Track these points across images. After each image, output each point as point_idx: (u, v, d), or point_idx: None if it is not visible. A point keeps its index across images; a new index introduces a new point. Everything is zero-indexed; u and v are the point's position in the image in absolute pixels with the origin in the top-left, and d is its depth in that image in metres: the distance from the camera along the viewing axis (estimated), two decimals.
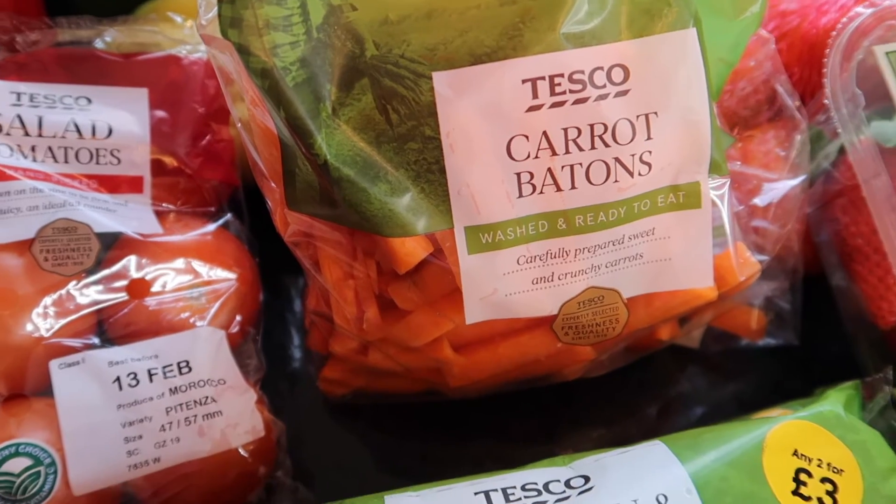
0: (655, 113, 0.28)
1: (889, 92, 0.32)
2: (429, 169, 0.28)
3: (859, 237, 0.35)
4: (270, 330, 0.42)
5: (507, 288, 0.30)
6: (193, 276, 0.37)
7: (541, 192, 0.28)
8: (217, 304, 0.37)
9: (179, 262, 0.37)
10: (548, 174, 0.28)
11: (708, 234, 0.31)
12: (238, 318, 0.38)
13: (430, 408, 0.42)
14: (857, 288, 0.36)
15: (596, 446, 0.42)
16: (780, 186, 0.35)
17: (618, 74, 0.28)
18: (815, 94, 0.42)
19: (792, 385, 0.42)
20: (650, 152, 0.29)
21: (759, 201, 0.35)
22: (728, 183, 0.32)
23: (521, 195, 0.28)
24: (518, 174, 0.28)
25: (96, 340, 0.34)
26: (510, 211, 0.28)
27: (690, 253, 0.31)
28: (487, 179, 0.28)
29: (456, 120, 0.27)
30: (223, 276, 0.38)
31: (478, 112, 0.27)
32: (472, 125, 0.27)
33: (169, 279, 0.37)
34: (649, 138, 0.29)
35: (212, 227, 0.40)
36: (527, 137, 0.28)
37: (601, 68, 0.28)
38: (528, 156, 0.28)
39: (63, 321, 0.33)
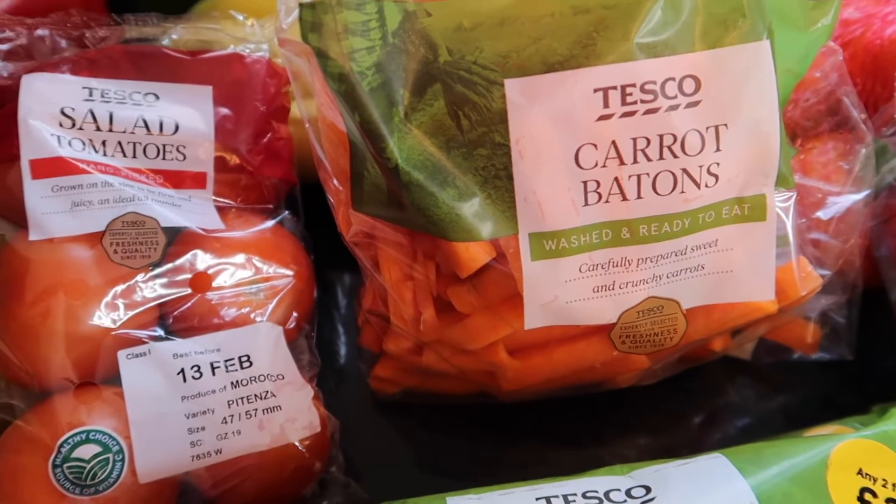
0: (725, 125, 0.28)
1: None
2: (496, 175, 0.28)
3: None
4: (319, 327, 0.42)
5: (567, 295, 0.30)
6: (253, 272, 0.38)
7: (606, 201, 0.28)
8: (275, 301, 0.38)
9: (240, 258, 0.38)
10: (614, 183, 0.28)
11: (772, 248, 0.31)
12: (294, 314, 0.38)
13: (478, 408, 0.42)
14: None
15: (643, 453, 0.43)
16: (843, 200, 0.35)
17: (689, 85, 0.28)
18: (877, 106, 0.42)
19: (844, 401, 0.41)
20: (718, 164, 0.29)
21: (822, 214, 0.34)
22: (794, 196, 0.31)
23: (586, 203, 0.28)
24: (585, 182, 0.28)
25: (161, 332, 0.35)
26: (575, 219, 0.29)
27: (753, 265, 0.31)
28: (554, 187, 0.28)
29: (526, 127, 0.27)
30: (281, 273, 0.38)
31: (548, 120, 0.27)
32: (542, 133, 0.28)
33: (230, 274, 0.37)
34: (718, 150, 0.29)
35: (270, 223, 0.40)
36: (595, 146, 0.28)
37: (673, 79, 0.28)
38: (596, 164, 0.28)
39: (131, 313, 0.34)
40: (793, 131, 0.40)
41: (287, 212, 0.42)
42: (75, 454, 0.31)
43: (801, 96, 0.37)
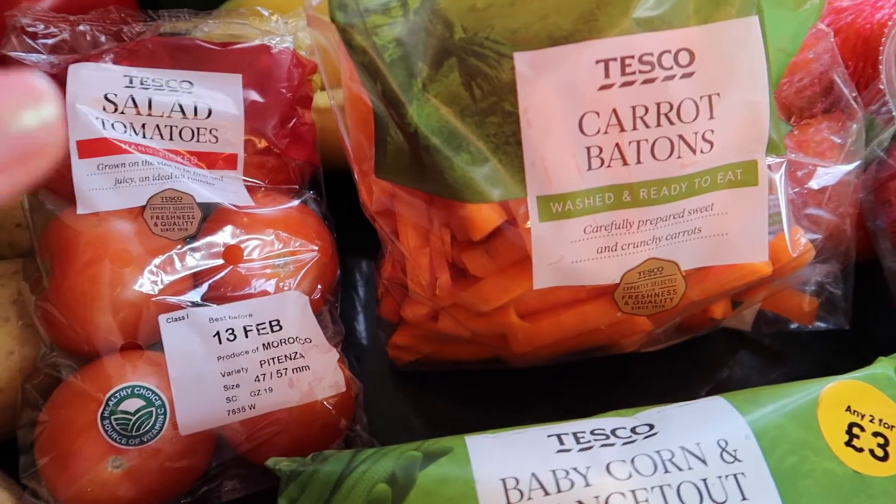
0: (718, 94, 0.31)
1: None
2: (507, 141, 0.31)
3: None
4: (341, 305, 0.45)
5: (573, 255, 0.32)
6: (281, 246, 0.40)
7: (608, 166, 0.31)
8: (301, 273, 0.40)
9: (268, 233, 0.41)
10: (616, 149, 0.31)
11: (764, 211, 0.33)
12: (319, 286, 0.41)
13: (491, 378, 0.44)
14: None
15: None
16: (834, 171, 0.37)
17: (684, 57, 0.30)
18: (868, 87, 0.44)
19: (842, 368, 0.43)
20: (712, 131, 0.31)
21: (814, 184, 0.37)
22: (785, 163, 0.34)
23: (590, 168, 0.31)
24: (588, 148, 0.31)
25: (198, 299, 0.38)
26: (580, 182, 0.31)
27: (746, 228, 0.33)
28: (560, 152, 0.31)
29: (534, 97, 0.30)
30: (307, 247, 0.41)
31: (554, 90, 0.30)
32: (549, 102, 0.30)
33: (259, 248, 0.40)
34: (712, 117, 0.31)
35: (296, 202, 0.43)
36: (598, 114, 0.30)
37: (669, 51, 0.30)
38: (598, 131, 0.30)
39: (170, 279, 0.37)
40: (788, 111, 0.42)
41: (311, 192, 0.45)
42: (122, 407, 0.34)
43: (795, 77, 0.40)
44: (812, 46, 0.39)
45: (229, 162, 0.42)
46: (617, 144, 0.31)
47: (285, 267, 0.40)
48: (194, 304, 0.37)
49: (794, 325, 0.43)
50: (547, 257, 0.32)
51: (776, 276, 0.36)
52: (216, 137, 0.41)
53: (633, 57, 0.30)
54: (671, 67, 0.30)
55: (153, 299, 0.36)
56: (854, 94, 0.38)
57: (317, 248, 0.41)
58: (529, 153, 0.31)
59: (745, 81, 0.31)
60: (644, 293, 0.34)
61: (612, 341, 0.39)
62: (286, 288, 0.39)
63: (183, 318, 0.36)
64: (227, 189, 0.41)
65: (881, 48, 0.35)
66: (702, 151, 0.31)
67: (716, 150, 0.32)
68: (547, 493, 0.25)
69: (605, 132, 0.30)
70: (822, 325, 0.42)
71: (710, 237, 0.33)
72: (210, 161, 0.41)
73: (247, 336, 0.37)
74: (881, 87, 0.35)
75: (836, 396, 0.28)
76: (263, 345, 0.37)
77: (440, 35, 0.30)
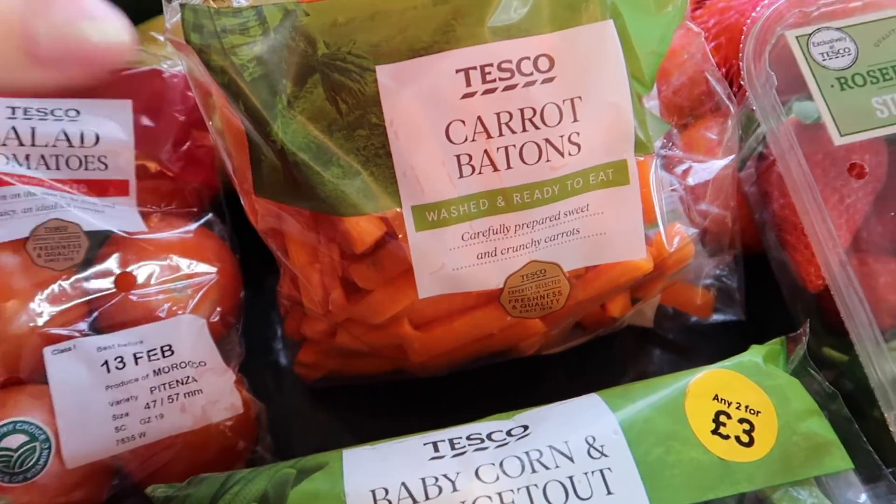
0: (580, 97, 0.32)
1: (801, 74, 0.35)
2: (376, 154, 0.31)
3: (787, 209, 0.38)
4: (253, 326, 0.45)
5: (454, 262, 0.33)
6: (176, 270, 0.40)
7: (479, 173, 0.31)
8: (198, 296, 0.40)
9: (163, 258, 0.40)
10: (485, 155, 0.31)
11: (637, 208, 0.34)
12: (218, 309, 0.41)
13: (406, 388, 0.44)
14: (788, 257, 0.39)
15: None
16: (710, 167, 0.38)
17: (544, 63, 0.31)
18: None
19: (732, 343, 0.44)
20: (578, 133, 0.32)
21: (690, 180, 0.38)
22: (656, 161, 0.34)
23: (461, 175, 0.31)
24: (458, 156, 0.31)
25: (86, 329, 0.37)
26: (452, 190, 0.31)
27: (622, 227, 0.34)
28: (430, 162, 0.31)
29: (398, 108, 0.30)
30: (204, 270, 0.41)
31: (418, 100, 0.30)
32: (414, 112, 0.30)
33: (153, 273, 0.40)
34: (576, 120, 0.32)
35: (194, 226, 0.43)
36: (463, 122, 0.31)
37: (528, 58, 0.31)
38: (466, 139, 0.31)
39: (55, 311, 0.36)
40: (678, 112, 0.44)
41: (211, 214, 0.44)
42: (2, 444, 0.33)
43: (672, 77, 0.41)
44: (686, 47, 0.40)
45: (120, 188, 0.41)
46: (485, 151, 0.31)
47: (181, 291, 0.40)
48: (83, 334, 0.37)
49: (693, 319, 0.44)
50: (428, 266, 0.32)
51: (660, 270, 0.36)
52: (105, 164, 0.41)
53: (492, 65, 0.30)
54: (531, 73, 0.31)
55: (38, 332, 0.36)
56: (727, 92, 0.39)
57: (215, 269, 0.41)
58: (400, 164, 0.31)
59: (605, 84, 0.32)
60: (530, 296, 0.34)
61: (510, 345, 0.39)
62: (180, 312, 0.39)
63: (69, 348, 0.36)
64: (119, 216, 0.40)
65: (741, 45, 0.37)
66: (570, 154, 0.32)
67: (584, 152, 0.32)
68: (415, 502, 0.25)
69: (473, 139, 0.31)
70: (720, 317, 0.43)
71: (589, 237, 0.34)
72: (100, 189, 0.41)
73: (136, 363, 0.36)
74: (742, 82, 0.36)
75: (704, 386, 0.29)
76: (154, 371, 0.36)
77: (303, 52, 0.30)
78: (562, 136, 0.32)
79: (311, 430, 0.44)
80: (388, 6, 0.30)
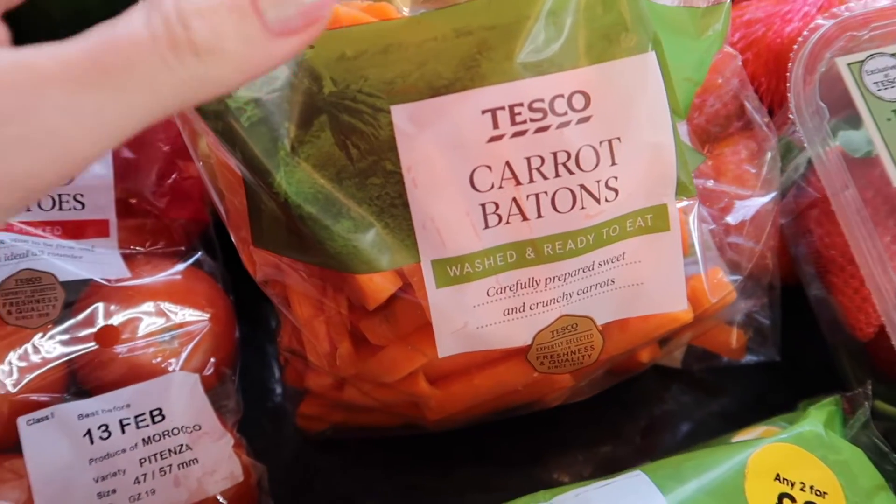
0: (619, 138, 0.28)
1: (853, 103, 0.32)
2: (392, 203, 0.27)
3: (833, 249, 0.35)
4: (250, 364, 0.41)
5: (478, 320, 0.29)
6: (164, 320, 0.36)
7: (507, 223, 0.28)
8: (190, 347, 0.36)
9: (149, 306, 0.36)
10: (513, 204, 0.28)
11: (679, 257, 0.30)
12: (212, 359, 0.37)
13: (414, 438, 0.41)
14: (834, 300, 0.36)
15: (582, 469, 0.42)
16: (751, 204, 0.35)
17: (579, 101, 0.28)
18: (783, 103, 0.42)
19: (775, 398, 0.41)
20: (616, 178, 0.29)
21: (731, 219, 0.35)
22: (697, 204, 0.31)
23: (487, 226, 0.28)
24: (483, 205, 0.28)
25: (66, 394, 0.33)
26: (477, 243, 0.28)
27: (662, 276, 0.31)
28: (452, 212, 0.27)
29: (417, 153, 0.27)
30: (195, 318, 0.37)
31: (438, 145, 0.27)
32: (434, 158, 0.27)
33: (139, 324, 0.36)
34: (614, 164, 0.28)
35: (182, 266, 0.39)
36: (490, 168, 0.27)
37: (561, 96, 0.27)
38: (492, 186, 0.27)
39: (30, 376, 0.33)
40: (702, 137, 0.40)
41: (202, 252, 0.41)
42: None
43: (706, 102, 0.38)
44: (721, 70, 0.37)
45: (100, 229, 0.37)
46: (514, 199, 0.28)
47: (171, 342, 0.36)
48: (61, 400, 0.33)
49: (724, 360, 0.41)
50: (449, 325, 0.29)
51: (698, 320, 0.33)
52: (82, 203, 0.37)
53: (522, 104, 0.27)
54: (565, 113, 0.27)
55: (11, 399, 0.32)
56: (766, 120, 0.36)
57: (208, 315, 0.38)
58: (418, 215, 0.27)
59: (646, 122, 0.29)
60: (560, 352, 0.31)
61: (534, 399, 0.36)
62: (171, 368, 0.35)
63: (47, 417, 0.32)
64: (98, 261, 0.36)
65: (788, 73, 0.33)
66: (606, 200, 0.29)
67: (622, 197, 0.29)
68: None
69: (500, 186, 0.28)
70: (753, 358, 0.40)
71: (625, 288, 0.31)
72: (77, 230, 0.37)
73: (123, 431, 0.32)
74: (790, 116, 0.33)
75: (764, 464, 0.26)
76: (143, 440, 0.33)
77: (307, 90, 0.27)
78: (598, 181, 0.28)
79: (317, 488, 0.41)
80: (404, 37, 0.27)
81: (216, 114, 0.25)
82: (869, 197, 0.32)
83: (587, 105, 0.28)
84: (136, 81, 0.17)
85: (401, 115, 0.27)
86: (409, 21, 0.27)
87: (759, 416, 0.35)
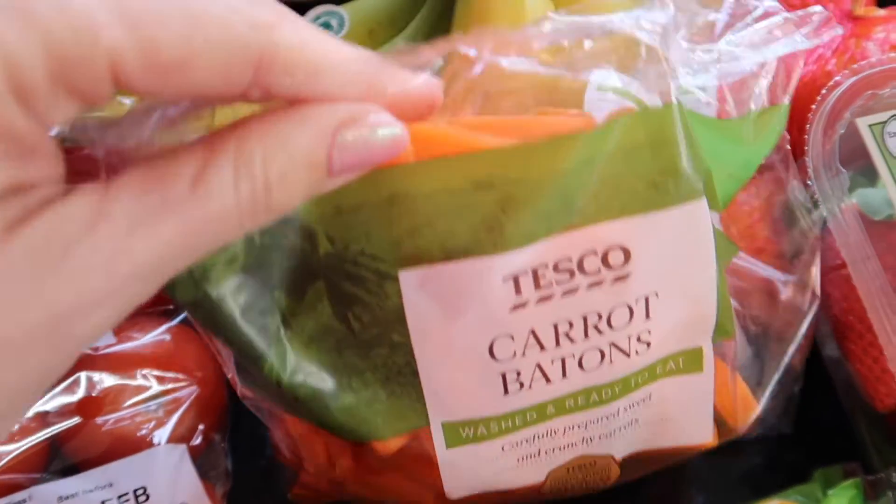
0: (657, 293, 0.25)
1: (874, 165, 0.29)
2: (399, 371, 0.24)
3: (851, 314, 0.33)
4: (244, 420, 0.39)
5: (490, 471, 0.27)
6: (150, 387, 0.34)
7: (529, 388, 0.25)
8: (177, 416, 0.35)
9: (134, 374, 0.34)
10: (537, 369, 0.25)
11: (709, 398, 0.28)
12: (201, 426, 0.35)
13: None
14: (851, 367, 0.34)
15: None
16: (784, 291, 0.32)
17: (617, 258, 0.24)
18: (796, 153, 0.38)
19: (789, 458, 0.40)
20: (649, 331, 0.25)
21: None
22: (735, 344, 0.28)
23: (507, 393, 0.25)
24: (503, 374, 0.25)
25: (45, 472, 0.32)
26: (494, 408, 0.25)
27: (690, 413, 0.28)
28: (467, 382, 0.25)
29: (428, 325, 0.23)
30: (182, 383, 0.35)
31: (453, 315, 0.23)
32: (448, 329, 0.24)
33: (123, 393, 0.34)
34: (648, 318, 0.25)
35: (169, 325, 0.36)
36: (512, 338, 0.24)
37: (594, 253, 0.23)
38: (514, 355, 0.24)
39: (6, 453, 0.31)
40: None
41: None
42: None
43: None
44: None
45: None
46: (538, 365, 0.25)
47: (157, 411, 0.34)
48: (40, 480, 0.31)
49: None
50: (459, 478, 0.27)
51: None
52: None
53: (546, 265, 0.23)
54: (598, 271, 0.24)
55: None
56: (809, 208, 0.32)
57: (195, 380, 0.35)
58: (429, 383, 0.24)
59: (689, 274, 0.25)
60: (574, 484, 0.29)
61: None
62: (156, 441, 0.33)
63: (24, 500, 0.31)
64: None
65: (807, 126, 0.30)
66: (636, 353, 0.26)
67: (654, 348, 0.26)
68: None
69: (523, 355, 0.24)
70: (764, 432, 0.39)
71: (650, 424, 0.28)
72: None
73: None
74: (809, 183, 0.30)
75: None
76: None
77: (300, 251, 0.23)
78: (629, 337, 0.25)
79: None
80: (411, 187, 0.22)
81: (195, 303, 0.22)
82: (890, 263, 0.30)
83: (626, 261, 0.24)
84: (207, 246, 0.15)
85: (410, 283, 0.23)
86: (417, 166, 0.22)
87: (770, 475, 0.34)
